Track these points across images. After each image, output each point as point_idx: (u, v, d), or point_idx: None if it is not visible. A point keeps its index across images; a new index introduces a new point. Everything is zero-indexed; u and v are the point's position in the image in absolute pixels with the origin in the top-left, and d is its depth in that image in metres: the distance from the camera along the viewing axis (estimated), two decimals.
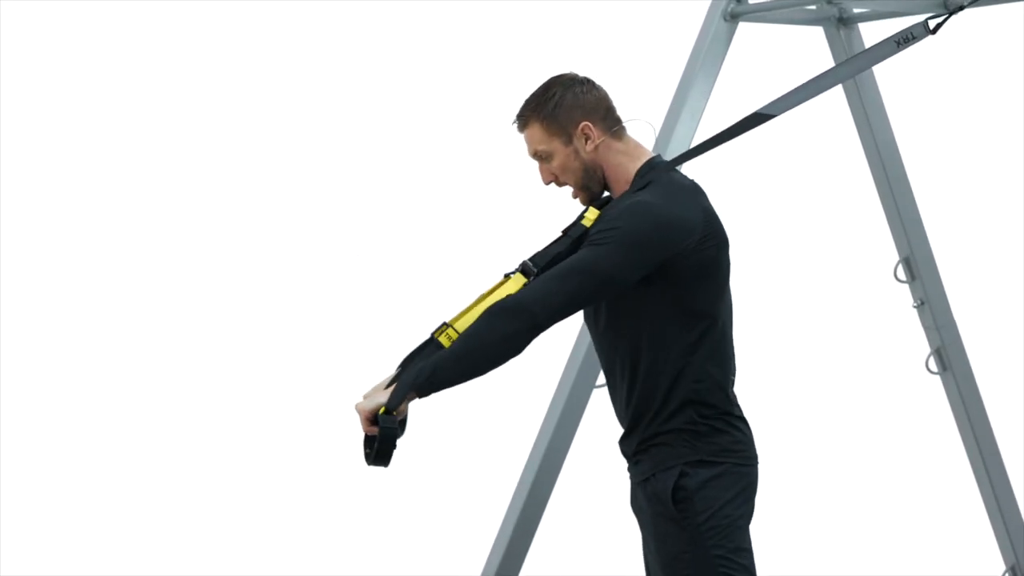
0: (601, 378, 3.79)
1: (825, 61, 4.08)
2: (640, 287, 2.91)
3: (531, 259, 3.01)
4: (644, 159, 3.02)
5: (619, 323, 2.99)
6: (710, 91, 3.87)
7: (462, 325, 2.93)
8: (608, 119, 3.02)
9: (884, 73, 4.13)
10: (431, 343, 2.93)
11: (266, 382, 5.60)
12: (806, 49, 4.20)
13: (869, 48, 3.45)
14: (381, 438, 2.83)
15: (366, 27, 5.74)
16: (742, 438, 3.02)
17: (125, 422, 5.53)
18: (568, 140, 3.00)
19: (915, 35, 3.32)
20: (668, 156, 3.80)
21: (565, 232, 3.03)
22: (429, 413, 5.54)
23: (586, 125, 2.99)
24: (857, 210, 4.78)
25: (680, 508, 2.92)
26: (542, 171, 3.05)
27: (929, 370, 4.33)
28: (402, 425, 2.88)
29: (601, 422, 3.94)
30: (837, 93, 4.16)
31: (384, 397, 2.87)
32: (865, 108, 4.12)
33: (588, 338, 3.80)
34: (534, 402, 4.07)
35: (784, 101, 3.26)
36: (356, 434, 5.33)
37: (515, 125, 3.05)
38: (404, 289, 5.52)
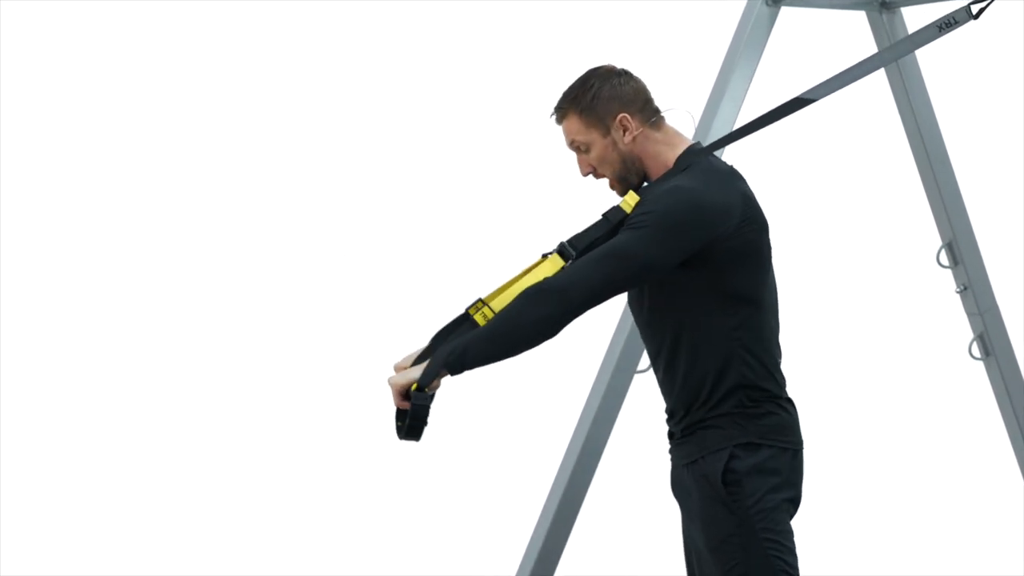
0: (643, 362, 3.81)
1: (868, 46, 4.06)
2: (680, 272, 2.91)
3: (569, 241, 3.02)
4: (683, 147, 3.03)
5: (662, 308, 3.00)
6: (752, 77, 3.85)
7: (497, 303, 2.95)
8: (646, 110, 3.03)
9: (927, 56, 4.11)
10: (466, 319, 2.95)
11: (271, 381, 5.60)
12: (848, 34, 4.18)
13: (911, 34, 3.43)
14: (412, 414, 2.87)
15: (393, 26, 5.74)
16: (790, 420, 3.02)
17: (125, 422, 5.54)
18: (606, 131, 3.01)
19: (957, 20, 3.31)
20: (709, 142, 3.81)
21: (604, 216, 3.03)
22: (465, 404, 5.57)
23: (624, 116, 3.00)
24: (900, 195, 4.76)
25: (730, 491, 2.92)
26: (580, 162, 3.06)
27: (972, 356, 4.31)
28: (431, 399, 2.91)
29: (642, 410, 3.95)
30: (879, 76, 4.14)
31: (416, 373, 2.90)
32: (908, 91, 4.11)
33: (630, 322, 3.80)
34: (572, 390, 4.07)
35: (826, 86, 3.26)
36: (382, 418, 5.37)
37: (553, 117, 3.06)
38: (417, 285, 5.51)
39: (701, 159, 3.01)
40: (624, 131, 3.00)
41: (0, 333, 5.57)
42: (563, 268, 2.91)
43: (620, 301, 3.84)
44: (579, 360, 3.82)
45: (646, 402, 4.04)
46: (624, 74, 3.05)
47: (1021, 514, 5.03)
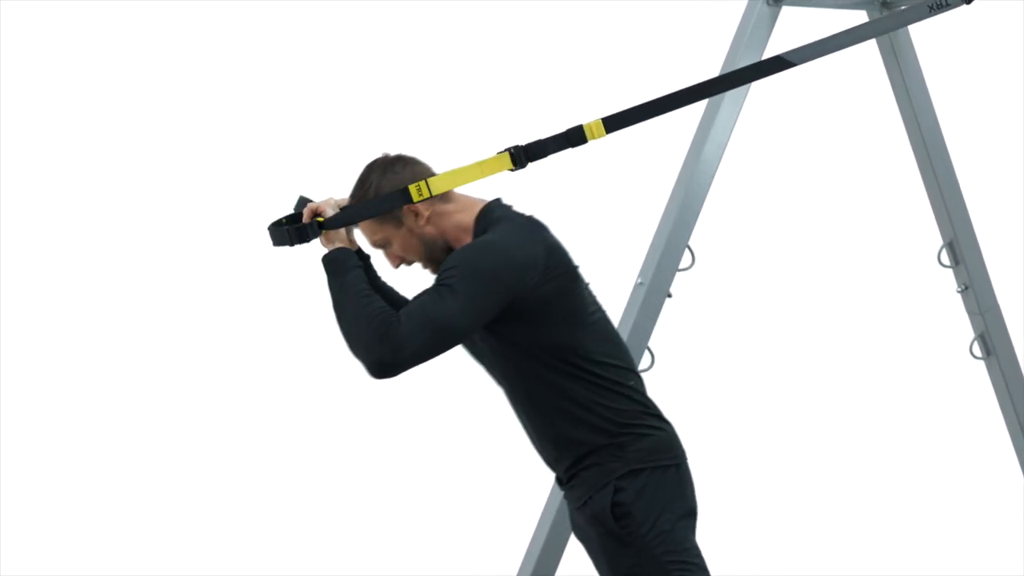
0: (644, 362, 3.81)
1: (867, 45, 4.06)
2: (496, 327, 2.89)
3: (526, 147, 3.01)
4: (479, 207, 2.99)
5: (492, 363, 2.99)
6: None
7: (437, 182, 2.94)
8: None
9: (928, 55, 4.11)
10: (403, 192, 2.94)
11: (271, 381, 5.60)
12: None
13: (901, 9, 3.41)
14: (297, 229, 2.94)
15: (390, 27, 5.74)
16: (666, 437, 2.99)
17: (125, 422, 5.52)
18: (399, 223, 2.97)
19: (949, 2, 3.28)
20: (713, 140, 3.82)
21: (566, 133, 3.03)
22: (465, 404, 5.57)
23: (410, 204, 2.95)
24: (901, 195, 4.76)
25: (622, 524, 2.90)
26: (388, 257, 3.02)
27: (973, 355, 4.31)
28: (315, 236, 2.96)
29: None
30: (880, 75, 4.15)
31: (331, 213, 2.93)
32: (908, 91, 4.11)
33: (631, 322, 3.80)
34: None
35: (808, 50, 3.20)
36: (383, 418, 5.34)
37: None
38: (417, 285, 5.50)
39: (501, 213, 2.97)
40: (416, 217, 2.96)
41: (0, 333, 5.57)
42: (400, 324, 2.79)
43: (621, 301, 3.87)
44: None
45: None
46: (400, 160, 3.00)
47: (1021, 514, 5.03)
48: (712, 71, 3.94)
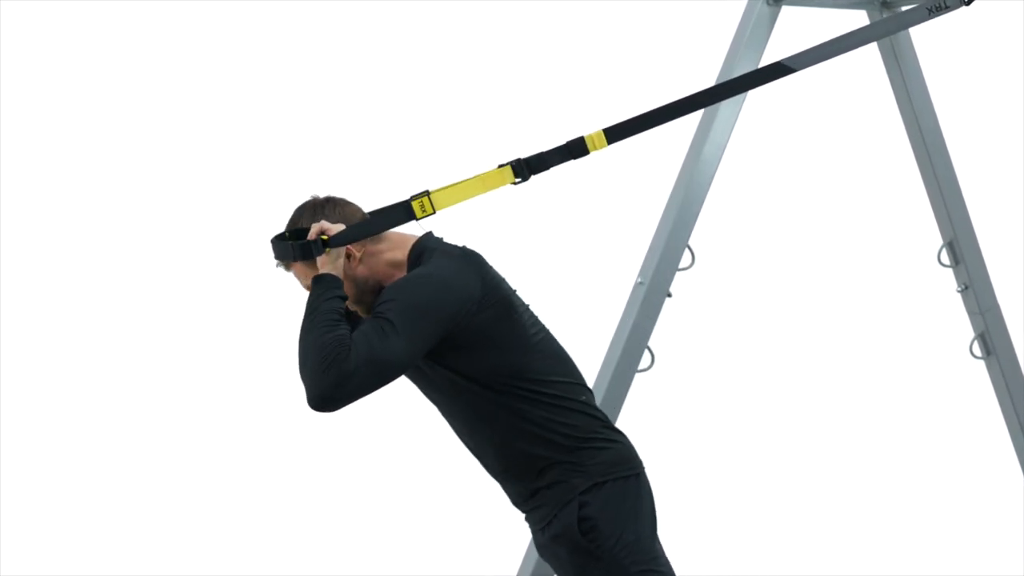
0: (644, 362, 3.81)
1: (868, 45, 4.05)
2: (440, 359, 2.89)
3: (527, 160, 3.00)
4: (411, 241, 2.98)
5: (437, 395, 2.99)
6: None
7: (439, 197, 2.94)
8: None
9: (928, 55, 4.11)
10: (405, 206, 2.94)
11: (271, 381, 5.58)
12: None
13: (900, 12, 3.41)
14: (301, 245, 2.91)
15: (393, 26, 5.74)
16: (623, 449, 2.99)
17: (125, 423, 5.53)
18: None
19: (948, 4, 3.28)
20: (712, 140, 3.81)
21: (567, 144, 3.02)
22: None
23: (337, 251, 2.92)
24: (901, 195, 4.76)
25: (590, 538, 2.91)
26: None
27: (973, 355, 4.31)
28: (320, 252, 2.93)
29: (643, 410, 3.95)
30: (880, 75, 4.15)
31: (335, 232, 2.89)
32: (909, 91, 4.11)
33: (631, 323, 3.80)
34: None
35: (809, 55, 3.20)
36: (383, 419, 5.33)
37: (278, 268, 2.99)
38: None
39: (434, 246, 2.96)
40: (349, 259, 2.94)
41: (0, 333, 5.57)
42: (352, 345, 2.76)
43: (621, 301, 3.87)
44: (580, 360, 3.81)
45: (646, 402, 4.04)
46: (330, 202, 2.97)
47: (1021, 514, 5.03)
48: (712, 71, 3.94)
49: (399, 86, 5.71)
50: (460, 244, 3.00)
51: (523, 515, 3.06)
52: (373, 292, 2.96)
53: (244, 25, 5.69)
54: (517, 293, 2.99)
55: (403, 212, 2.94)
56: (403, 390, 5.70)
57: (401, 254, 2.97)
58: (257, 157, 5.65)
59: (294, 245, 2.92)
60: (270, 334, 5.61)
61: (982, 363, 4.32)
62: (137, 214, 5.67)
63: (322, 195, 2.99)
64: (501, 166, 3.02)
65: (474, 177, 2.99)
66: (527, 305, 3.01)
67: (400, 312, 2.80)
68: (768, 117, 4.47)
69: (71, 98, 5.65)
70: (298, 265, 2.95)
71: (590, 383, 3.80)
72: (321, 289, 2.87)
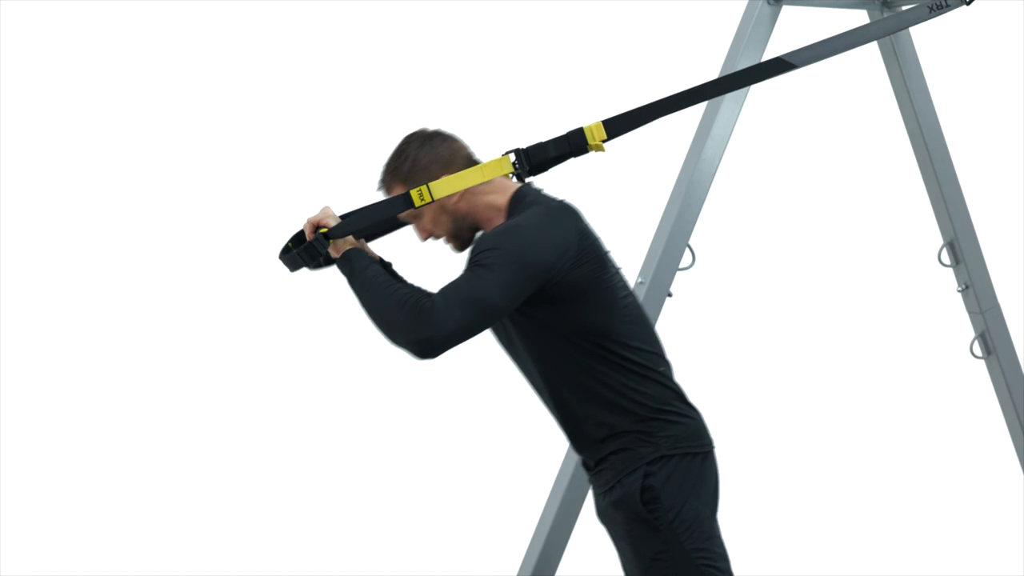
0: None
1: (868, 45, 4.05)
2: (528, 311, 2.90)
3: (527, 150, 3.01)
4: (512, 190, 3.01)
5: (524, 348, 2.99)
6: None
7: (438, 187, 2.94)
8: (468, 166, 3.00)
9: (929, 55, 4.11)
10: (404, 196, 2.95)
11: (271, 381, 5.59)
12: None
13: (902, 11, 3.42)
14: (305, 248, 2.94)
15: (393, 26, 5.73)
16: (695, 425, 3.00)
17: (126, 423, 5.52)
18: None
19: (949, 3, 3.29)
20: (713, 139, 3.81)
21: (566, 136, 3.02)
22: (465, 404, 5.56)
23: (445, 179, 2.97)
24: (901, 194, 4.76)
25: (650, 509, 2.92)
26: (417, 230, 3.05)
27: (973, 355, 4.31)
28: (326, 260, 2.98)
29: None
30: (881, 75, 4.15)
31: (333, 223, 2.93)
32: (909, 90, 4.11)
33: None
34: None
35: (810, 51, 3.21)
36: (383, 419, 5.31)
37: (380, 192, 3.04)
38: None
39: (534, 198, 2.98)
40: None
41: (0, 333, 5.57)
42: (440, 292, 2.81)
43: None
44: None
45: None
46: (439, 135, 3.03)
47: (1021, 514, 5.03)
48: (712, 70, 3.94)
49: (399, 86, 5.71)
50: (559, 197, 3.01)
51: (588, 476, 3.07)
52: (470, 230, 3.01)
53: (244, 25, 5.69)
54: (610, 254, 3.00)
55: (402, 201, 2.95)
56: (403, 390, 5.71)
57: (502, 199, 2.99)
58: (256, 157, 5.65)
59: (300, 252, 2.94)
60: (269, 334, 5.62)
61: (982, 363, 4.32)
62: (137, 214, 5.66)
63: (431, 128, 3.03)
64: (503, 155, 3.02)
65: (472, 167, 3.00)
66: (618, 268, 3.01)
67: (498, 260, 2.81)
68: (769, 117, 4.47)
69: (71, 98, 5.64)
70: (398, 192, 2.97)
71: None
72: (354, 264, 2.90)
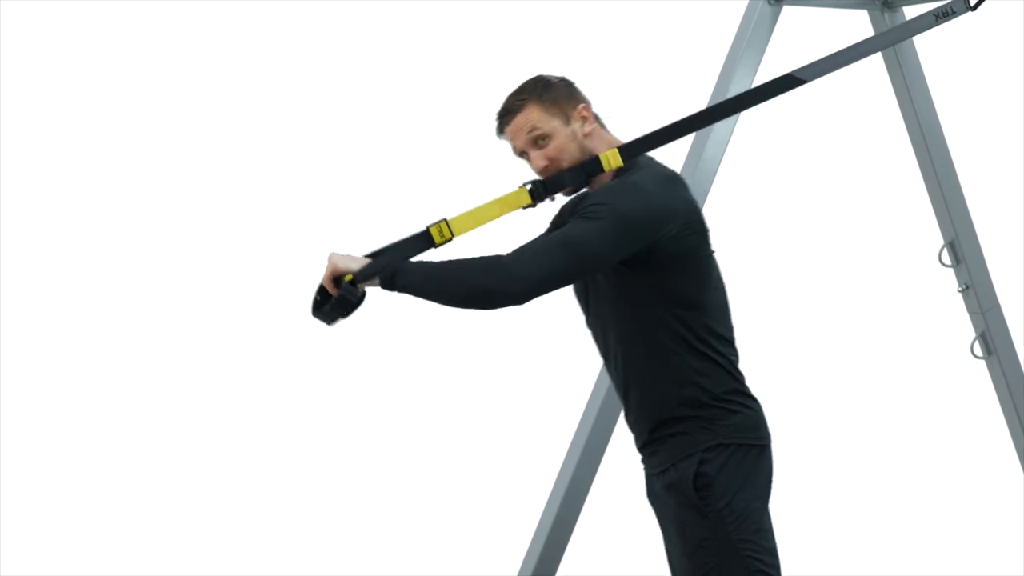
0: None
1: None
2: (624, 272, 2.89)
3: (542, 182, 3.00)
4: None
5: (607, 308, 2.99)
6: (754, 76, 3.84)
7: (457, 223, 2.93)
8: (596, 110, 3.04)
9: (929, 54, 4.11)
10: (423, 234, 2.91)
11: (271, 380, 5.59)
12: (851, 33, 4.18)
13: (908, 20, 3.42)
14: (336, 301, 2.81)
15: (392, 26, 5.74)
16: (755, 417, 3.01)
17: (125, 423, 5.53)
18: (567, 120, 3.00)
19: (955, 10, 3.30)
20: (715, 139, 3.81)
21: (582, 164, 3.00)
22: (465, 404, 5.55)
23: (584, 107, 3.01)
24: (902, 194, 4.76)
25: (702, 495, 2.92)
26: (536, 159, 3.01)
27: (974, 355, 4.31)
28: (360, 299, 2.83)
29: None
30: (881, 74, 4.15)
31: (356, 266, 2.81)
32: (910, 90, 4.11)
33: None
34: (574, 388, 4.07)
35: (818, 66, 3.23)
36: (383, 419, 5.32)
37: (504, 120, 3.02)
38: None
39: (647, 161, 3.00)
40: (584, 122, 3.00)
41: (0, 333, 5.57)
42: (521, 248, 2.80)
43: None
44: (581, 359, 3.81)
45: None
46: (563, 81, 3.07)
47: (1021, 514, 5.03)
48: (713, 71, 3.94)
49: (399, 88, 5.71)
50: (671, 169, 3.03)
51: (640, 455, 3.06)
52: (588, 174, 2.99)
53: (245, 26, 5.69)
54: (710, 234, 3.01)
55: (423, 240, 2.91)
56: (403, 390, 5.71)
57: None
58: (257, 158, 5.65)
59: (333, 307, 2.81)
60: (270, 334, 5.62)
61: (983, 363, 4.32)
62: (137, 214, 5.67)
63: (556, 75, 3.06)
64: (518, 187, 3.01)
65: (490, 201, 2.99)
66: (713, 251, 3.02)
67: (604, 213, 2.81)
68: (769, 117, 4.47)
69: (71, 98, 5.65)
70: (534, 111, 2.98)
71: (590, 384, 3.83)
72: (395, 276, 2.77)
